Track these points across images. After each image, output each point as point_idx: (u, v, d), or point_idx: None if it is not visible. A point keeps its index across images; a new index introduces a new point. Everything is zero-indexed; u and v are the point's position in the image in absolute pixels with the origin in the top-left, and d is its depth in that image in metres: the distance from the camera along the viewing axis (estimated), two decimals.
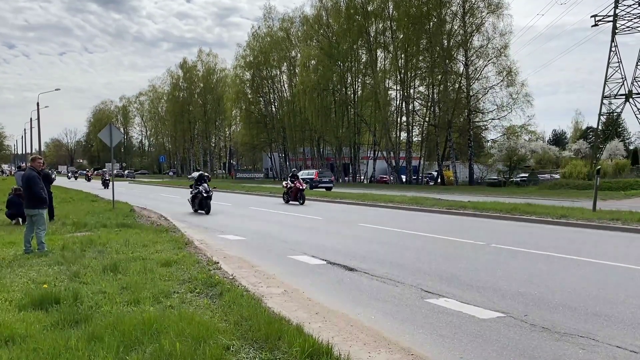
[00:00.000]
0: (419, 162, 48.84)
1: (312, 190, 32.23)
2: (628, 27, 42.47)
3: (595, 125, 47.62)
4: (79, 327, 4.55)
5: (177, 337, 4.13)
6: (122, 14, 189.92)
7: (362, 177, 54.75)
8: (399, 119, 49.35)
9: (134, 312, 4.90)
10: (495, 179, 41.48)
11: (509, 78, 41.02)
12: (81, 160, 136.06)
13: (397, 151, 48.59)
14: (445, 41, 43.55)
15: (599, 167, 19.70)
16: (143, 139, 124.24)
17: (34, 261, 7.76)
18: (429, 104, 46.77)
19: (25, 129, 76.60)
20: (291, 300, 6.00)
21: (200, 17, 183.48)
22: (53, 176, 20.58)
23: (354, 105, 51.91)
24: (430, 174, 51.32)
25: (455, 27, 43.96)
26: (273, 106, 65.99)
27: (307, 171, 46.55)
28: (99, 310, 5.07)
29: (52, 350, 3.93)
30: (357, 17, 48.79)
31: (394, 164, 48.51)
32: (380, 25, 48.70)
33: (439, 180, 45.98)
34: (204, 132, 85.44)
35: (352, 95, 52.85)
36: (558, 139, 76.59)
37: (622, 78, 42.47)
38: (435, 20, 43.66)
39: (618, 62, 42.47)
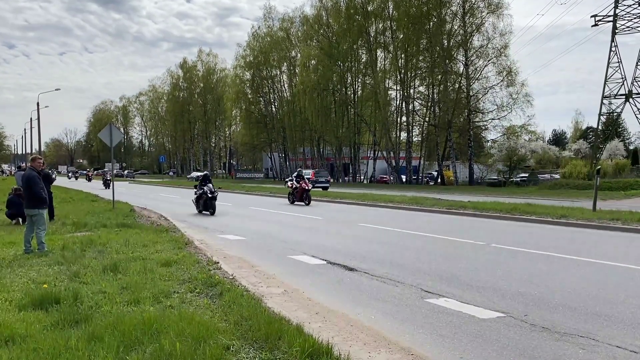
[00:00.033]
0: (419, 162, 48.84)
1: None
2: (628, 27, 42.47)
3: (595, 125, 47.65)
4: (79, 327, 4.55)
5: (177, 337, 4.13)
6: (122, 13, 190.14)
7: (362, 177, 54.76)
8: (399, 119, 49.37)
9: (134, 312, 4.90)
10: (495, 179, 41.48)
11: (509, 78, 41.06)
12: (81, 160, 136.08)
13: (397, 151, 48.60)
14: (445, 41, 43.56)
15: (599, 167, 19.70)
16: (143, 139, 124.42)
17: (34, 261, 7.76)
18: (429, 104, 46.78)
19: (25, 129, 76.69)
20: (291, 300, 6.00)
21: (200, 17, 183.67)
22: (53, 176, 20.59)
23: (354, 105, 51.92)
24: (430, 174, 51.32)
25: (455, 27, 43.98)
26: (273, 106, 66.03)
27: (304, 171, 46.54)
28: (99, 310, 5.07)
29: (52, 350, 3.93)
30: (357, 17, 48.80)
31: (394, 164, 48.52)
32: (380, 25, 48.72)
33: (439, 180, 45.98)
34: (204, 132, 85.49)
35: (352, 95, 52.87)
36: (558, 139, 76.61)
37: (622, 78, 42.48)
38: (435, 20, 43.67)
39: (618, 62, 42.47)
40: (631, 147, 57.25)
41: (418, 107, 49.15)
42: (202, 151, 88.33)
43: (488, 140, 48.20)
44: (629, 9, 42.17)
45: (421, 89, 48.14)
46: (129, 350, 3.98)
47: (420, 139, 49.82)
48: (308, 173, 39.61)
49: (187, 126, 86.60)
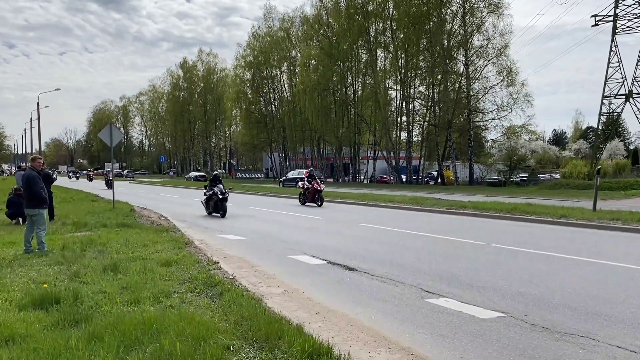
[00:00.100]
0: (419, 162, 48.81)
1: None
2: (628, 27, 42.48)
3: (595, 125, 47.67)
4: (79, 327, 4.55)
5: (178, 336, 4.13)
6: (122, 13, 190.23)
7: (362, 177, 54.75)
8: (399, 119, 49.32)
9: (134, 312, 4.91)
10: (495, 178, 41.46)
11: (509, 78, 41.00)
12: (81, 160, 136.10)
13: (397, 151, 48.57)
14: (446, 41, 43.52)
15: (599, 167, 19.69)
16: (143, 138, 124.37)
17: (34, 261, 7.76)
18: (429, 104, 46.74)
19: (25, 129, 76.74)
20: (291, 300, 6.00)
21: (200, 16, 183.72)
22: (54, 176, 20.59)
23: (354, 105, 51.89)
24: (431, 173, 51.30)
25: (456, 27, 43.94)
26: (273, 106, 66.00)
27: (297, 171, 46.67)
28: (99, 310, 5.07)
29: (52, 350, 3.93)
30: (357, 17, 48.76)
31: (394, 163, 48.50)
32: (381, 25, 48.67)
33: (439, 180, 45.95)
34: (204, 132, 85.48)
35: (352, 95, 52.83)
36: (558, 139, 76.62)
37: (622, 78, 42.50)
38: (436, 20, 43.64)
39: (618, 62, 42.49)
40: (631, 147, 57.22)
41: (418, 107, 49.14)
42: (202, 151, 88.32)
43: (488, 140, 48.23)
44: (629, 9, 42.22)
45: (421, 88, 48.14)
46: (129, 350, 3.98)
47: (420, 139, 49.79)
48: (302, 173, 39.51)
49: (187, 126, 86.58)
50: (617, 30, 42.48)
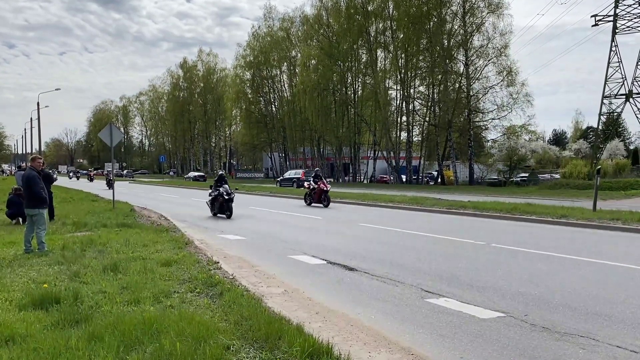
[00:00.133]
0: (419, 162, 48.82)
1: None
2: (628, 27, 42.49)
3: (595, 125, 47.67)
4: (79, 326, 4.55)
5: (178, 336, 4.13)
6: (122, 13, 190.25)
7: (362, 177, 54.75)
8: (399, 119, 49.33)
9: (134, 312, 4.91)
10: (495, 178, 41.47)
11: (509, 78, 41.03)
12: (81, 160, 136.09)
13: (397, 151, 48.57)
14: (446, 41, 43.54)
15: (599, 167, 19.69)
16: (143, 138, 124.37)
17: (34, 261, 7.76)
18: (429, 104, 46.75)
19: (25, 129, 76.77)
20: (291, 300, 6.00)
21: (200, 16, 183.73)
22: (55, 176, 20.59)
23: (354, 105, 51.89)
24: (431, 173, 51.31)
25: (456, 27, 43.95)
26: (273, 106, 66.02)
27: (294, 171, 46.71)
28: (99, 310, 5.07)
29: (53, 350, 3.93)
30: (357, 16, 48.77)
31: (394, 163, 48.50)
32: (381, 25, 48.68)
33: (439, 180, 45.96)
34: (204, 131, 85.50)
35: (352, 95, 52.84)
36: (558, 139, 76.62)
37: (622, 78, 42.51)
38: (436, 20, 43.65)
39: (618, 61, 42.50)
40: (631, 147, 57.23)
41: (418, 107, 49.15)
42: (202, 151, 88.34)
43: (488, 140, 48.22)
44: (629, 9, 42.23)
45: (421, 88, 48.16)
46: (129, 350, 3.98)
47: (420, 139, 49.79)
48: (298, 173, 39.42)
49: (187, 126, 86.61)
50: (617, 30, 42.49)
